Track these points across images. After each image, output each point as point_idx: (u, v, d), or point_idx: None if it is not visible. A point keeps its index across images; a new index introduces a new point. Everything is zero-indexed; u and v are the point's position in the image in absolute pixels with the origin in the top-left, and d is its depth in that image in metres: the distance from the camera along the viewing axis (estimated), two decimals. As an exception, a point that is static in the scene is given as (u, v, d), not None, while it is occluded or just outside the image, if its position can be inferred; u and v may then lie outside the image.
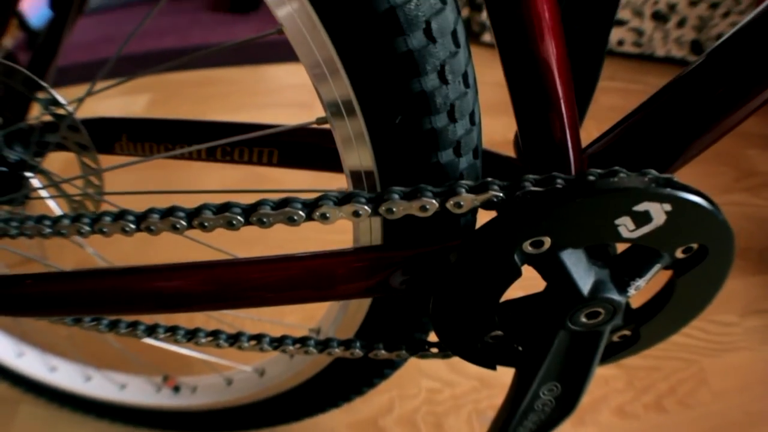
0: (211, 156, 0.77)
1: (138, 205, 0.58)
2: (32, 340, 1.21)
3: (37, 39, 2.49)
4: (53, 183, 0.84)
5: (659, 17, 2.26)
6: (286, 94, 2.10)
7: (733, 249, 0.55)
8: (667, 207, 0.50)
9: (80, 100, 0.68)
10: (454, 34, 0.49)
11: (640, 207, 0.50)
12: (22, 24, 2.83)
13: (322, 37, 0.47)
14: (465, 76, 0.51)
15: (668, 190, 0.49)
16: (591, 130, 1.57)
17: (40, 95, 0.83)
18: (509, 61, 0.51)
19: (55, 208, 0.93)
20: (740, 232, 1.62)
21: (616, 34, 2.33)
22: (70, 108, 0.74)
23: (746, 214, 1.73)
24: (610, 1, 0.65)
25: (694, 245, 0.55)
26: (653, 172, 0.51)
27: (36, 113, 0.82)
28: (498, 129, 1.31)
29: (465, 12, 2.50)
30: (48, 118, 0.78)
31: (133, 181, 1.63)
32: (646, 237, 0.52)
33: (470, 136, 0.55)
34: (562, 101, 0.53)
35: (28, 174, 0.88)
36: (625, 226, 0.51)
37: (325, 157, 0.71)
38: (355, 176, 0.57)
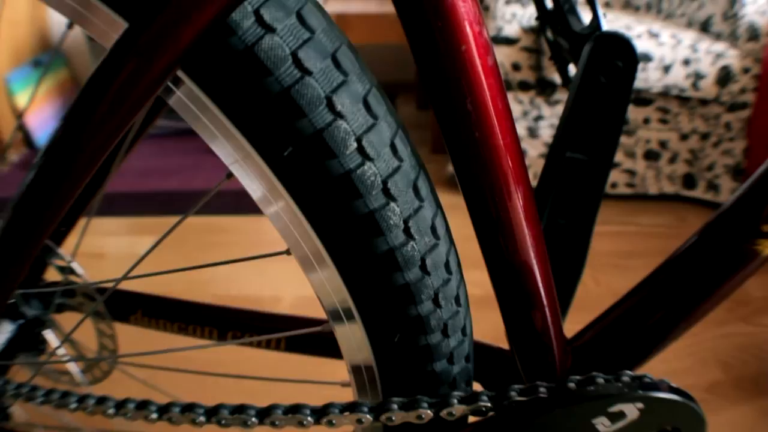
0: (222, 337, 0.82)
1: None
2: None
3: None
4: (80, 358, 0.89)
5: (651, 156, 2.30)
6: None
7: (705, 425, 0.60)
8: (640, 405, 0.55)
9: (115, 283, 0.73)
10: (446, 264, 0.55)
11: (615, 408, 0.55)
12: (28, 141, 2.94)
13: (327, 262, 0.53)
14: (457, 298, 0.57)
15: (639, 392, 0.55)
16: (586, 279, 1.62)
17: (59, 262, 0.89)
18: (492, 266, 0.57)
19: (73, 369, 0.98)
20: (734, 363, 1.65)
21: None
22: (95, 292, 0.80)
23: (740, 344, 1.75)
24: (592, 202, 0.72)
25: (668, 427, 0.60)
26: (627, 374, 0.57)
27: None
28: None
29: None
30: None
31: (143, 341, 1.66)
32: (622, 430, 0.57)
33: (462, 347, 0.60)
34: (544, 301, 0.58)
35: (45, 330, 0.93)
36: (602, 423, 0.56)
37: (329, 348, 0.77)
38: (356, 369, 0.61)
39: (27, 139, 2.95)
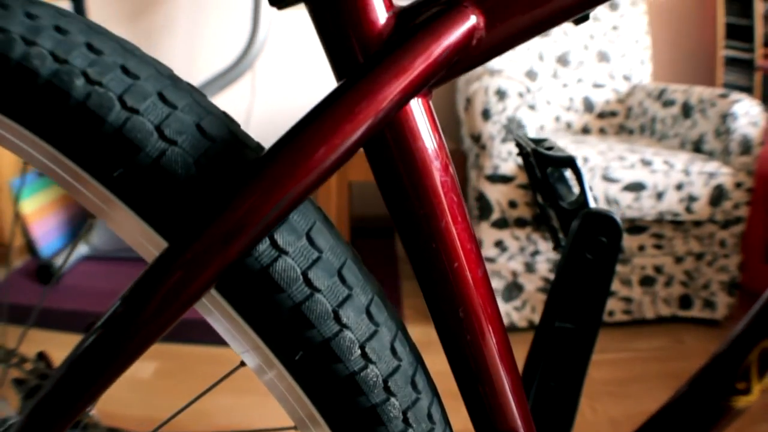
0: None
1: None
2: None
3: (46, 270, 2.59)
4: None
5: (647, 282, 2.32)
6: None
7: None
8: None
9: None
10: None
11: None
12: (33, 251, 2.99)
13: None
14: None
15: None
16: (583, 408, 1.64)
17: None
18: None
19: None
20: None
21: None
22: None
23: (737, 468, 1.75)
24: (580, 365, 0.76)
25: None
26: None
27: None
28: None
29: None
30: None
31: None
32: None
33: None
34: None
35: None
36: None
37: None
38: None
39: (30, 247, 3.01)
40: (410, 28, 0.46)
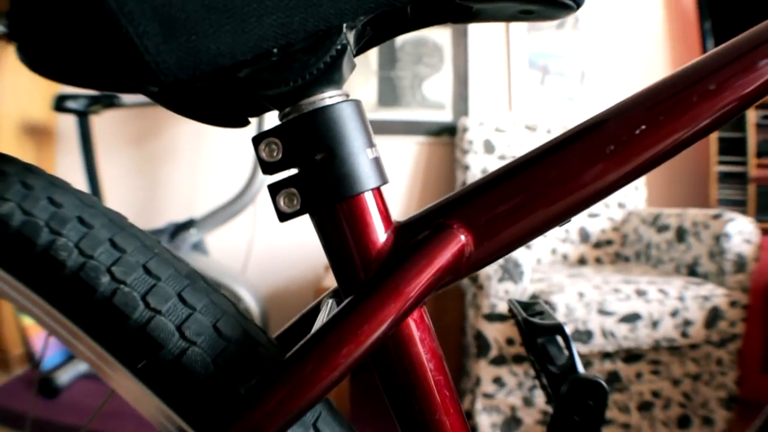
0: None
1: None
2: None
3: (47, 384, 2.61)
4: None
5: (645, 407, 2.32)
6: None
7: None
8: None
9: None
10: None
11: None
12: (33, 362, 3.01)
13: None
14: None
15: None
16: None
17: None
18: None
19: None
20: None
21: (603, 433, 2.30)
22: None
23: None
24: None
25: None
26: None
27: None
28: None
29: None
30: None
31: None
32: None
33: None
34: None
35: None
36: None
37: None
38: None
39: (32, 360, 3.04)
40: (408, 249, 0.52)
